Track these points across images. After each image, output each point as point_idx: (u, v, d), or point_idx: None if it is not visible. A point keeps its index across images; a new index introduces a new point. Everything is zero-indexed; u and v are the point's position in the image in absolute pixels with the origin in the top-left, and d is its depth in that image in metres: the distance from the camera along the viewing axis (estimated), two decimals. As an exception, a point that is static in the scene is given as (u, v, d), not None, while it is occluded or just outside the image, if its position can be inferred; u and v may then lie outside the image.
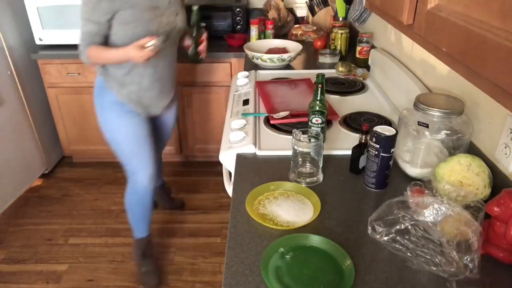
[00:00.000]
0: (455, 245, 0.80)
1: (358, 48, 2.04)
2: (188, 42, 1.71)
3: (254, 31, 2.48)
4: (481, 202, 0.86)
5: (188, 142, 2.74)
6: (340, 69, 1.92)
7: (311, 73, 1.94)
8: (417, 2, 0.77)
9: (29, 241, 2.22)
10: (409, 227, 0.87)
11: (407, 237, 0.87)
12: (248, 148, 1.28)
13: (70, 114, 2.66)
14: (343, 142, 1.31)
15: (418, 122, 1.05)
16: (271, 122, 1.43)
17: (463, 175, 0.94)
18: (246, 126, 1.41)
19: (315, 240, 0.90)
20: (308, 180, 1.12)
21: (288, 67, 2.09)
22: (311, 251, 0.89)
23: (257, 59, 2.02)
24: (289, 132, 1.35)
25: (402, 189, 0.95)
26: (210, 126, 2.67)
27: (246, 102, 1.62)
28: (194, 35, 1.65)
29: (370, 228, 0.92)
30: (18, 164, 2.49)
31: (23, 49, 2.49)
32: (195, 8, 1.59)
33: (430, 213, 0.84)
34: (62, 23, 2.41)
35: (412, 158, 1.10)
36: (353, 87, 1.79)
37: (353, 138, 1.30)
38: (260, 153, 1.27)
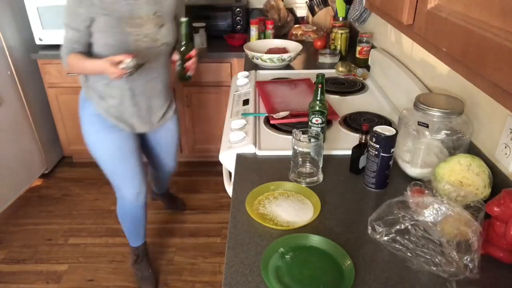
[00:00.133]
0: (455, 245, 0.80)
1: (358, 48, 2.04)
2: (175, 56, 1.53)
3: (254, 31, 2.48)
4: (481, 202, 0.86)
5: (188, 142, 2.74)
6: (340, 69, 1.92)
7: (311, 73, 1.94)
8: (417, 2, 0.77)
9: (29, 241, 2.22)
10: (409, 227, 0.87)
11: (407, 237, 0.87)
12: (248, 148, 1.28)
13: (70, 114, 2.66)
14: (343, 142, 1.31)
15: (418, 122, 1.05)
16: (271, 122, 1.43)
17: (463, 175, 0.94)
18: (246, 126, 1.41)
19: (315, 240, 0.90)
20: (308, 180, 1.12)
21: (288, 67, 2.09)
22: (311, 251, 0.89)
23: (257, 59, 2.02)
24: (289, 132, 1.35)
25: (402, 189, 0.95)
26: (210, 126, 2.67)
27: (246, 102, 1.62)
28: (182, 49, 1.46)
29: (370, 228, 0.92)
30: (18, 164, 2.49)
31: (23, 49, 2.49)
32: (183, 19, 1.41)
33: (430, 213, 0.84)
34: (62, 23, 2.41)
35: (412, 158, 1.10)
36: (353, 87, 1.79)
37: (353, 138, 1.30)
38: (260, 153, 1.27)
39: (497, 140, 1.00)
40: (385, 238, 0.88)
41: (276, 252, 0.87)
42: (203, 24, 2.50)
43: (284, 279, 0.81)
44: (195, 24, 2.50)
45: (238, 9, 2.61)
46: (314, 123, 1.24)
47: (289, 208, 1.01)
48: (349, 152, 1.15)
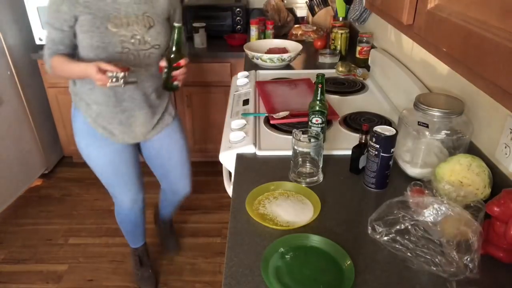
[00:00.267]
0: (455, 245, 0.80)
1: (358, 48, 2.04)
2: (163, 63, 1.36)
3: (254, 31, 2.48)
4: (481, 202, 0.86)
5: (188, 142, 2.73)
6: (340, 69, 1.92)
7: (311, 73, 1.94)
8: (417, 2, 0.77)
9: (29, 241, 2.22)
10: (409, 227, 0.87)
11: (407, 237, 0.87)
12: (248, 148, 1.28)
13: (70, 114, 2.64)
14: (343, 142, 1.31)
15: (418, 122, 1.05)
16: (271, 122, 1.43)
17: (463, 175, 0.94)
18: (246, 126, 1.41)
19: (315, 240, 0.90)
20: (308, 180, 1.12)
21: (288, 67, 2.09)
22: (311, 251, 0.89)
23: (257, 59, 2.02)
24: (289, 132, 1.35)
25: (402, 189, 0.95)
26: (210, 126, 2.67)
27: (246, 102, 1.62)
28: (171, 56, 1.33)
29: (370, 228, 0.92)
30: (18, 164, 2.49)
31: (23, 49, 2.49)
32: (177, 25, 1.30)
33: (430, 213, 0.84)
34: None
35: (412, 158, 1.10)
36: (353, 87, 1.79)
37: (353, 138, 1.30)
38: (260, 153, 1.27)
39: (497, 140, 1.00)
40: (385, 238, 0.88)
41: (276, 252, 0.87)
42: (203, 24, 2.50)
43: (284, 279, 0.81)
44: (195, 24, 2.50)
45: (238, 9, 2.61)
46: (314, 123, 1.24)
47: (289, 208, 1.01)
48: (349, 152, 1.15)
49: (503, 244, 0.82)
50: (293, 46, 2.17)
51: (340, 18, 2.38)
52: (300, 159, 1.12)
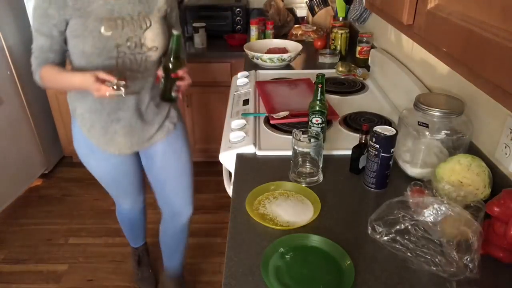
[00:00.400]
0: (455, 245, 0.80)
1: (358, 48, 2.04)
2: (160, 72, 1.25)
3: (254, 31, 2.48)
4: (481, 202, 0.86)
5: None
6: (340, 69, 1.92)
7: (311, 73, 1.94)
8: (417, 2, 0.77)
9: (29, 241, 2.22)
10: (409, 227, 0.87)
11: (407, 237, 0.87)
12: (248, 148, 1.28)
13: (70, 114, 2.65)
14: (343, 142, 1.31)
15: (418, 122, 1.05)
16: (271, 122, 1.43)
17: (463, 175, 0.94)
18: (246, 126, 1.41)
19: (315, 240, 0.90)
20: (308, 180, 1.12)
21: (288, 67, 2.09)
22: (311, 251, 0.89)
23: (257, 59, 2.02)
24: (289, 132, 1.35)
25: (402, 189, 0.95)
26: (210, 126, 2.67)
27: (246, 102, 1.62)
28: (169, 65, 1.22)
29: (370, 228, 0.92)
30: (18, 164, 2.49)
31: (23, 49, 2.49)
32: (176, 33, 1.20)
33: (430, 213, 0.84)
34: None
35: (412, 158, 1.10)
36: (353, 87, 1.79)
37: (353, 138, 1.30)
38: (260, 153, 1.26)
39: (497, 140, 1.00)
40: (385, 238, 0.88)
41: (276, 252, 0.87)
42: (203, 24, 2.50)
43: (284, 279, 0.81)
44: (195, 24, 2.50)
45: (238, 9, 2.61)
46: (314, 123, 1.24)
47: (289, 208, 1.01)
48: (349, 152, 1.15)
49: (503, 244, 0.82)
50: (293, 46, 2.17)
51: (340, 18, 2.38)
52: (300, 159, 1.12)
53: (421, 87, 1.37)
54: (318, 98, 1.21)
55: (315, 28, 2.58)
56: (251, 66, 2.08)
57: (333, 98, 1.67)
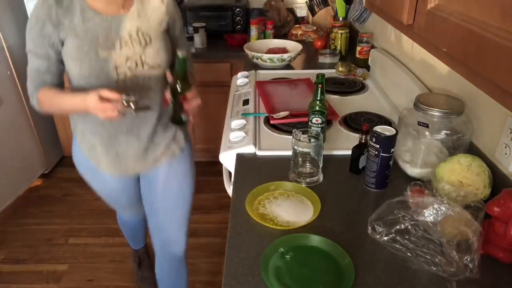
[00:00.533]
0: (455, 245, 0.80)
1: (358, 48, 2.04)
2: (168, 94, 1.14)
3: (254, 31, 2.48)
4: (481, 202, 0.86)
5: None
6: (340, 69, 1.92)
7: (311, 73, 1.94)
8: (417, 2, 0.77)
9: (29, 241, 2.22)
10: (409, 227, 0.87)
11: (407, 237, 0.87)
12: (248, 148, 1.28)
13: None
14: (343, 142, 1.31)
15: (418, 122, 1.05)
16: (271, 122, 1.43)
17: (463, 175, 0.94)
18: (246, 126, 1.41)
19: (315, 240, 0.90)
20: (308, 180, 1.12)
21: (288, 67, 2.09)
22: (311, 251, 0.89)
23: (257, 59, 2.02)
24: (289, 132, 1.35)
25: (402, 189, 0.95)
26: (210, 126, 2.67)
27: (246, 102, 1.62)
28: (176, 87, 1.12)
29: (370, 228, 0.92)
30: (18, 164, 2.49)
31: (23, 49, 2.48)
32: (180, 55, 1.08)
33: (430, 213, 0.84)
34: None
35: (412, 158, 1.10)
36: (353, 87, 1.79)
37: (353, 138, 1.30)
38: (260, 153, 1.26)
39: (497, 140, 1.00)
40: (385, 238, 0.88)
41: (276, 252, 0.87)
42: (203, 24, 2.50)
43: (284, 279, 0.81)
44: (195, 24, 2.50)
45: (238, 9, 2.61)
46: (314, 123, 1.24)
47: (289, 208, 1.01)
48: (349, 152, 1.15)
49: (503, 244, 0.82)
50: (293, 46, 2.17)
51: (340, 18, 2.38)
52: (300, 159, 1.12)
53: (421, 87, 1.37)
54: (318, 98, 1.21)
55: (315, 28, 2.58)
56: (251, 66, 2.08)
57: (333, 98, 1.67)
